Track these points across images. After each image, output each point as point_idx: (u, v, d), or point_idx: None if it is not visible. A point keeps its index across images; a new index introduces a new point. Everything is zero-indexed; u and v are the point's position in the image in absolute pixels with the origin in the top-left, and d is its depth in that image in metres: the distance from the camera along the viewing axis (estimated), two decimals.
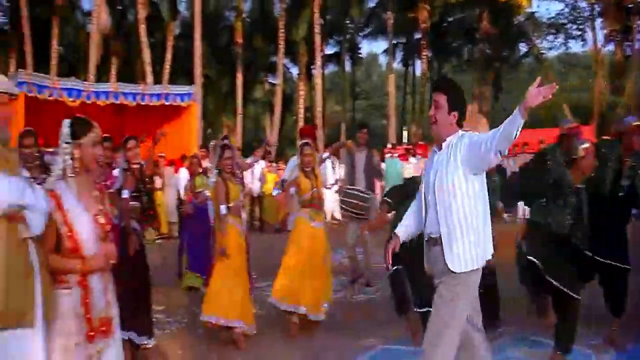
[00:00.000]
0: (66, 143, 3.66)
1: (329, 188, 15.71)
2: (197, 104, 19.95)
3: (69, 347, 3.52)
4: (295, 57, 38.98)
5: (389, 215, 6.39)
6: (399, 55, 43.20)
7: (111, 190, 5.89)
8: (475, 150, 3.96)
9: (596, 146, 6.42)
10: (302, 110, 37.03)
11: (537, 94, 3.66)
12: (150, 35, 33.35)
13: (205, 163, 12.29)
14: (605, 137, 7.50)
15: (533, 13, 37.85)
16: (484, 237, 4.13)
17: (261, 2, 39.44)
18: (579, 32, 37.90)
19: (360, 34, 43.42)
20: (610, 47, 35.15)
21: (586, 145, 5.99)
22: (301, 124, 35.11)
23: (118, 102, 17.24)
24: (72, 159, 3.65)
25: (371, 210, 9.18)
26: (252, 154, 17.97)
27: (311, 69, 39.06)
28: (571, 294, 5.79)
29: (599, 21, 35.15)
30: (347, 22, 41.21)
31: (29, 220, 3.38)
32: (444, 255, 4.08)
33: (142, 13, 31.97)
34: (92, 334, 3.58)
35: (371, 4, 40.87)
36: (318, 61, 36.39)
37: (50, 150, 9.25)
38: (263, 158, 17.14)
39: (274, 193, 16.35)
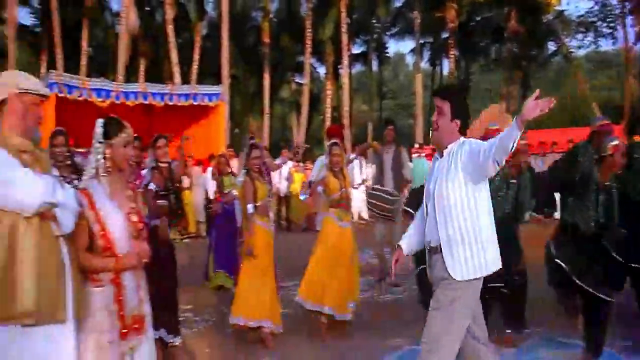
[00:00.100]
0: (99, 143, 3.71)
1: (356, 188, 15.71)
2: (225, 104, 20.06)
3: (103, 345, 3.56)
4: (322, 56, 38.98)
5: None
6: (426, 54, 43.03)
7: (140, 189, 5.93)
8: (474, 158, 3.90)
9: (627, 148, 6.34)
10: (329, 110, 37.03)
11: (534, 106, 3.58)
12: (177, 36, 33.59)
13: (233, 162, 12.37)
14: (637, 139, 7.39)
15: (562, 11, 37.46)
16: (487, 246, 4.03)
17: (288, 2, 39.54)
18: (609, 30, 37.43)
19: (387, 33, 43.28)
20: None
21: (615, 142, 5.91)
22: (328, 123, 35.09)
23: (146, 102, 17.37)
24: (104, 158, 3.70)
25: (397, 211, 9.14)
26: (279, 154, 18.03)
27: (338, 68, 39.06)
28: (600, 295, 5.73)
29: (629, 19, 34.68)
30: (374, 21, 41.14)
31: (60, 218, 3.43)
32: (444, 263, 4.01)
33: (170, 13, 32.22)
34: (125, 331, 3.62)
35: (398, 4, 40.75)
36: (345, 61, 36.37)
37: (80, 150, 9.38)
38: (291, 159, 17.20)
39: (302, 197, 16.36)
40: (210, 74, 34.70)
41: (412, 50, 41.27)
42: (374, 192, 9.56)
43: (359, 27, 40.34)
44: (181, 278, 6.71)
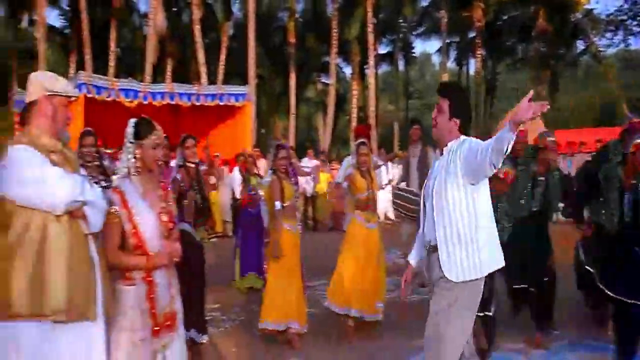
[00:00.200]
0: (130, 142, 3.75)
1: (383, 188, 15.67)
2: (251, 104, 20.11)
3: (135, 343, 3.60)
4: (348, 56, 38.94)
5: None
6: (452, 54, 42.82)
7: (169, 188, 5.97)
8: (472, 158, 3.83)
9: None
10: (355, 110, 36.97)
11: (527, 108, 3.49)
12: (204, 36, 33.76)
13: (260, 163, 12.40)
14: None
15: (591, 9, 37.06)
16: (483, 247, 3.95)
17: (314, 2, 39.56)
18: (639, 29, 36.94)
19: (413, 33, 43.11)
20: None
21: (638, 140, 5.83)
22: (354, 124, 35.09)
23: (173, 102, 17.46)
24: (134, 158, 3.73)
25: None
26: (305, 154, 18.03)
27: (364, 68, 38.99)
28: (629, 301, 5.65)
29: None
30: (400, 21, 41.00)
31: (89, 217, 3.47)
32: (440, 263, 3.97)
33: (197, 14, 32.38)
34: (157, 328, 3.66)
35: (424, 3, 40.61)
36: (371, 61, 36.29)
37: (109, 151, 9.49)
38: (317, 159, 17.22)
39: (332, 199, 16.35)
40: (236, 74, 34.82)
41: (439, 50, 41.14)
42: (399, 192, 9.52)
43: (385, 27, 40.25)
44: (208, 277, 6.74)
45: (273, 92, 39.43)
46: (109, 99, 16.29)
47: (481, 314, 5.63)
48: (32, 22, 37.77)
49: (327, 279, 7.45)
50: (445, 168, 4.02)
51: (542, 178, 6.54)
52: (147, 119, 3.84)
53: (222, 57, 34.92)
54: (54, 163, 3.43)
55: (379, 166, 8.62)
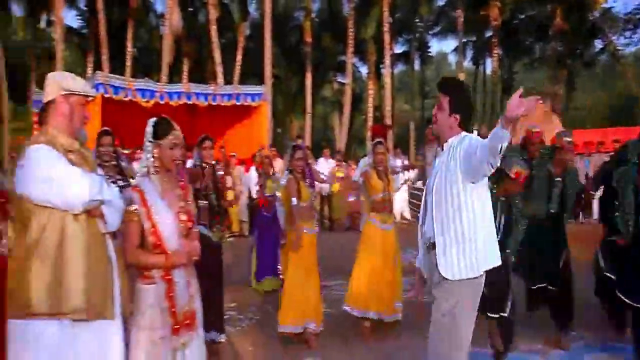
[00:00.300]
0: (149, 142, 3.76)
1: (399, 189, 15.62)
2: (267, 104, 20.12)
3: (155, 341, 3.62)
4: (364, 56, 38.87)
5: None
6: (469, 53, 42.63)
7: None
8: (470, 156, 3.79)
9: None
10: (371, 110, 36.89)
11: (518, 105, 3.45)
12: (221, 36, 33.80)
13: (277, 162, 12.41)
14: None
15: (609, 8, 36.76)
16: (481, 246, 3.91)
17: (330, 2, 39.51)
18: None
19: (429, 32, 42.96)
20: None
21: None
22: (370, 123, 35.05)
23: (190, 102, 17.51)
24: (153, 157, 3.75)
25: None
26: (321, 154, 18.00)
27: (380, 68, 38.91)
28: None
29: None
30: (417, 20, 40.87)
31: (107, 216, 3.48)
32: (437, 261, 3.96)
33: (213, 14, 32.44)
34: (177, 327, 3.67)
35: (441, 2, 40.41)
36: (387, 60, 36.19)
37: (126, 152, 9.52)
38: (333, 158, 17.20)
39: (350, 198, 16.31)
40: (252, 74, 34.86)
41: (455, 49, 40.98)
42: (415, 191, 9.52)
43: (401, 26, 40.14)
44: (225, 277, 6.75)
45: (289, 92, 39.45)
46: (125, 99, 16.37)
47: (496, 315, 5.59)
48: (49, 23, 38.05)
49: (344, 279, 7.43)
50: (445, 165, 4.00)
51: (559, 179, 6.49)
52: (166, 119, 3.85)
53: (239, 57, 34.96)
54: (72, 162, 3.45)
55: (397, 172, 8.54)
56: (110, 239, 3.55)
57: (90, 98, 3.69)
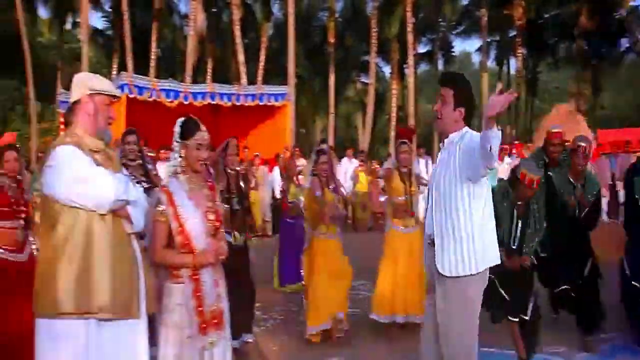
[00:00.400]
0: (176, 142, 3.79)
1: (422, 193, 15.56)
2: (291, 104, 20.17)
3: (183, 340, 3.65)
4: (387, 55, 38.79)
5: None
6: (492, 53, 42.33)
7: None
8: (468, 154, 3.77)
9: None
10: (394, 109, 36.82)
11: (496, 102, 3.43)
12: (244, 36, 33.91)
13: (300, 161, 12.41)
14: None
15: (637, 6, 36.33)
16: (479, 246, 3.88)
17: (353, 1, 39.46)
18: None
19: (453, 32, 42.77)
20: None
21: None
22: (393, 123, 34.97)
23: (214, 102, 17.59)
24: (180, 157, 3.78)
25: None
26: (344, 154, 17.98)
27: (403, 67, 38.81)
28: None
29: None
30: (440, 20, 40.70)
31: (132, 216, 3.51)
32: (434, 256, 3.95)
33: (237, 14, 32.55)
34: (204, 326, 3.69)
35: (464, 2, 40.24)
36: (410, 60, 36.09)
37: (151, 154, 9.56)
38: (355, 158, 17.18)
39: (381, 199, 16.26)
40: (275, 74, 34.94)
41: (479, 49, 40.72)
42: None
43: (424, 26, 39.98)
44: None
45: (312, 92, 39.47)
46: (150, 100, 16.49)
47: (516, 319, 5.54)
48: (75, 24, 38.46)
49: (368, 279, 7.39)
50: (446, 161, 3.98)
51: (579, 184, 6.42)
52: (193, 119, 3.86)
53: (262, 57, 35.06)
54: (98, 162, 3.48)
55: (425, 184, 8.21)
56: (135, 239, 3.59)
57: (115, 98, 3.72)
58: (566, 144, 7.00)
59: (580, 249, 6.48)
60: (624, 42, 37.66)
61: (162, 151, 12.69)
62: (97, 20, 67.61)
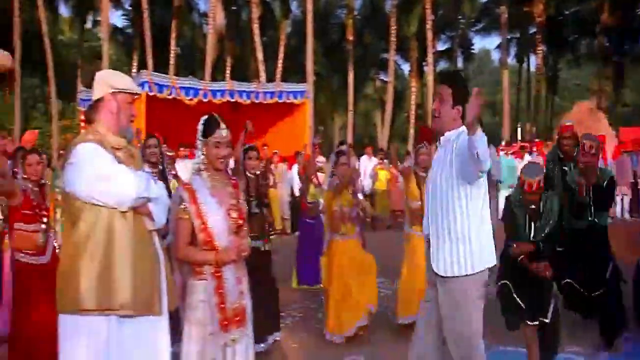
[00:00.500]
0: (199, 140, 3.80)
1: None
2: (310, 102, 20.20)
3: (205, 337, 3.66)
4: (406, 53, 38.76)
5: None
6: (512, 50, 42.13)
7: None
8: (463, 158, 3.73)
9: None
10: (413, 107, 36.76)
11: (472, 106, 3.43)
12: (263, 34, 33.99)
13: (319, 159, 12.40)
14: None
15: None
16: (475, 247, 3.85)
17: None
18: None
19: (472, 29, 42.64)
20: None
21: None
22: (412, 121, 34.91)
23: (233, 100, 17.63)
24: (202, 155, 3.79)
25: None
26: (363, 152, 17.95)
27: (422, 65, 38.74)
28: None
29: None
30: (459, 17, 40.56)
31: (153, 213, 3.53)
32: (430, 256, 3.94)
33: (256, 12, 32.66)
34: (226, 323, 3.70)
35: None
36: (429, 57, 36.04)
37: (170, 154, 9.61)
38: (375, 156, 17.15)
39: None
40: (294, 72, 35.00)
41: (498, 46, 40.57)
42: None
43: (444, 23, 39.88)
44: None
45: (331, 89, 39.50)
46: (169, 97, 16.56)
47: (533, 323, 5.47)
48: (96, 23, 38.72)
49: (387, 277, 7.35)
50: (442, 160, 3.96)
51: (595, 185, 6.32)
52: (214, 117, 3.85)
53: (281, 54, 35.12)
54: (120, 160, 3.49)
55: None
56: (157, 236, 3.60)
57: (136, 96, 3.73)
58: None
59: (598, 250, 6.37)
60: None
61: (181, 149, 12.75)
62: (117, 19, 68.20)
